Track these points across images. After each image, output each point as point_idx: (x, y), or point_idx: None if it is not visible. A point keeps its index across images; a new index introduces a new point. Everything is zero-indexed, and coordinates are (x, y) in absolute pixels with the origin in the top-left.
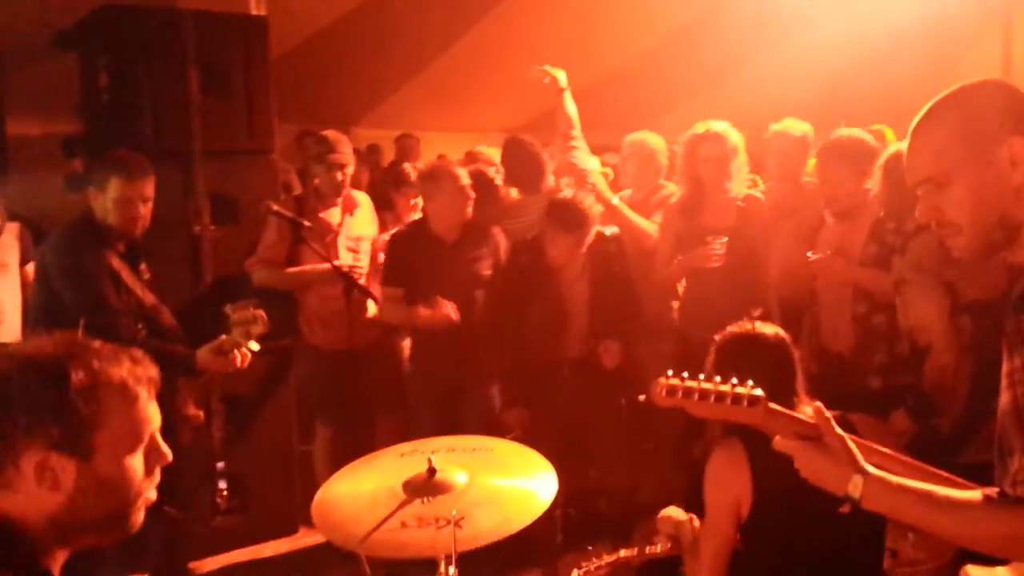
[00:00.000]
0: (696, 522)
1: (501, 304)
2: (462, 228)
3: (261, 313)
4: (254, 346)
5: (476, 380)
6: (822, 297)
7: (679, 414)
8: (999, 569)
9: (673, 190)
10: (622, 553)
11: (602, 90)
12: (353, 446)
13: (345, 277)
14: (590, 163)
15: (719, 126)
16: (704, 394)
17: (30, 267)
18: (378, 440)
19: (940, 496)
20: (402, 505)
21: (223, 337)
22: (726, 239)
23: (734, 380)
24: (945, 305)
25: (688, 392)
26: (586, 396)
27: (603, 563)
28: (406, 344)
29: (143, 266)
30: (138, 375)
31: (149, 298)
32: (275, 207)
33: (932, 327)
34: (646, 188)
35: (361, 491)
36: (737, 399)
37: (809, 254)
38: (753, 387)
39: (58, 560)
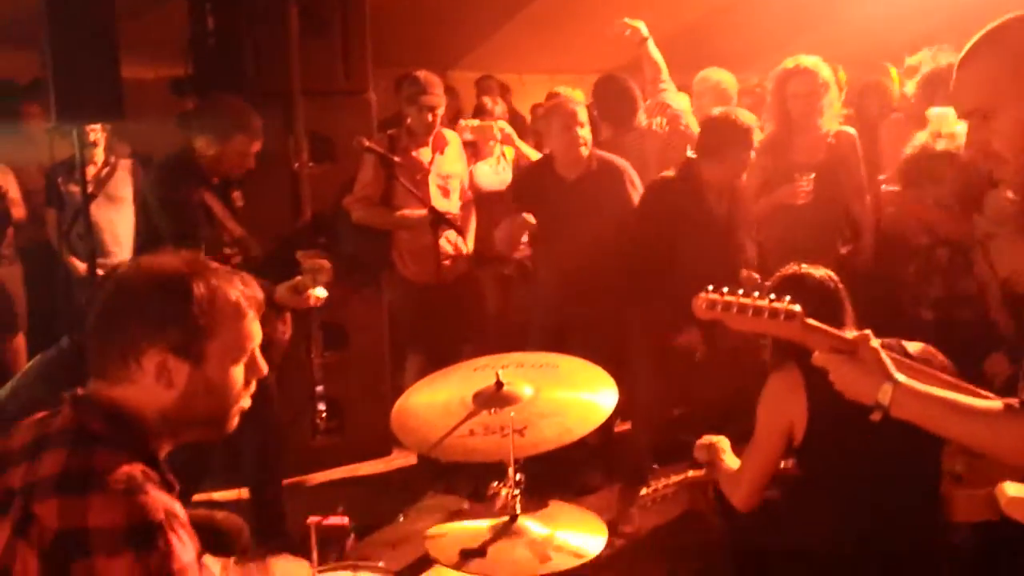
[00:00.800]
0: (725, 442)
1: (644, 242)
2: (585, 165)
3: (326, 263)
4: (321, 292)
5: (595, 317)
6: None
7: None
8: None
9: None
10: (690, 474)
11: (694, 34)
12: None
13: (439, 217)
14: (681, 103)
15: (809, 60)
16: (742, 308)
17: None
18: None
19: (964, 404)
20: (471, 415)
21: (298, 278)
22: (813, 175)
23: (772, 296)
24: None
25: (727, 306)
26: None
27: (671, 482)
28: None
29: (236, 194)
30: (248, 295)
31: (238, 230)
32: (367, 143)
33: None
34: None
35: (436, 401)
36: (774, 313)
37: (884, 187)
38: (791, 302)
39: (163, 449)
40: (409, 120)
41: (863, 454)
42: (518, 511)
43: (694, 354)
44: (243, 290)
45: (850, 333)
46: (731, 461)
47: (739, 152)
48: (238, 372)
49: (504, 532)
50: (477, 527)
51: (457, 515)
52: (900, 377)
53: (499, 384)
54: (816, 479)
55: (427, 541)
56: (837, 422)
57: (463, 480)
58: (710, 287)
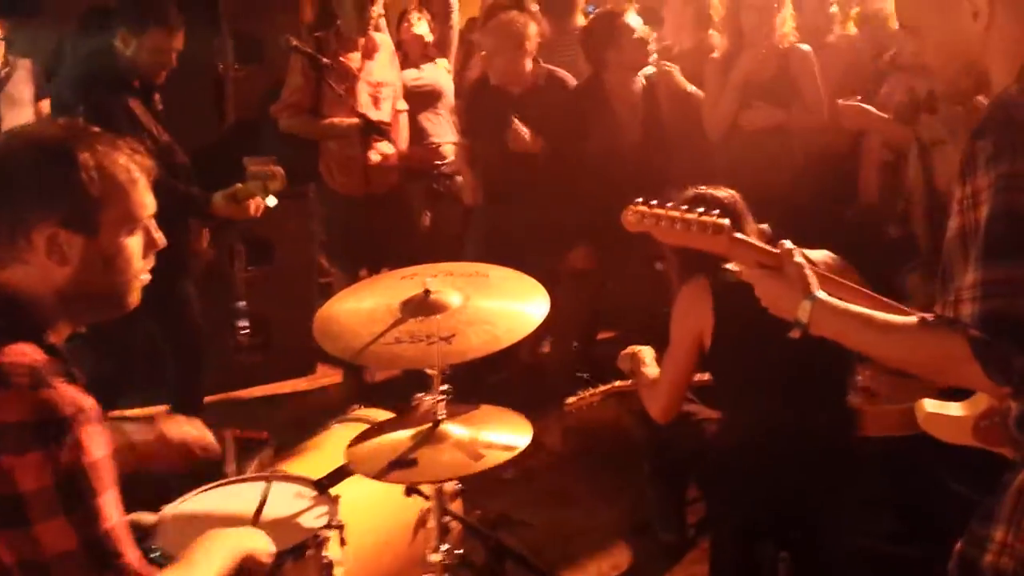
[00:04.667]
0: (648, 351)
1: (559, 139)
2: (531, 79)
3: (280, 170)
4: (271, 201)
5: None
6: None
7: None
8: (957, 404)
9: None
10: (616, 383)
11: None
12: None
13: (370, 126)
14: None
15: None
16: (671, 220)
17: (45, 103)
18: None
19: (880, 320)
20: (397, 323)
21: (238, 185)
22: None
23: (700, 209)
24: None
25: (656, 218)
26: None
27: (597, 391)
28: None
29: (156, 96)
30: (137, 161)
31: (164, 136)
32: (295, 42)
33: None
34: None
35: (361, 308)
36: (703, 226)
37: (840, 100)
38: (719, 215)
39: (61, 334)
40: (339, 20)
41: (769, 362)
42: (441, 416)
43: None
44: (131, 155)
45: (784, 244)
46: (652, 371)
47: (624, 49)
48: (135, 243)
49: (429, 439)
50: (399, 436)
51: (380, 426)
52: (820, 293)
53: (426, 292)
54: (724, 386)
55: (347, 452)
56: (744, 330)
57: (389, 396)
58: (639, 199)
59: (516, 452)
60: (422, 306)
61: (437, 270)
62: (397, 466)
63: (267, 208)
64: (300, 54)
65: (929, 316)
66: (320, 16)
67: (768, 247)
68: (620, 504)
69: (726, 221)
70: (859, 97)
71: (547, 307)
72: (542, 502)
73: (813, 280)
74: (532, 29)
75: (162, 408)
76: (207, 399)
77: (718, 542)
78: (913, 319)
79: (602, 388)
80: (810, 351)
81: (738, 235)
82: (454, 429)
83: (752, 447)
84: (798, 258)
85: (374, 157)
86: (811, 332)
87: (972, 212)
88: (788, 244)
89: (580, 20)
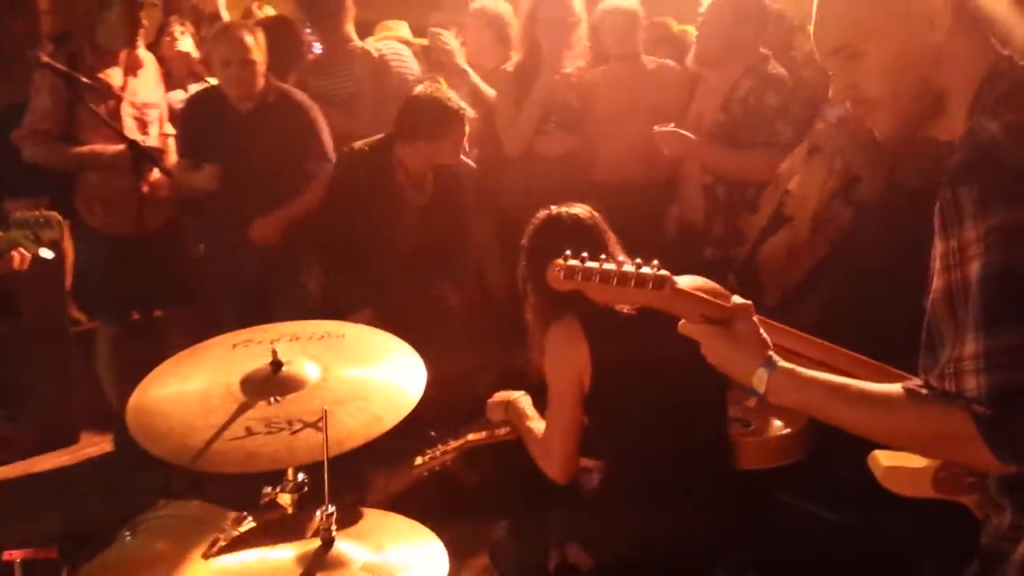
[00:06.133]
0: (525, 400)
1: (330, 215)
2: (259, 96)
3: (55, 215)
4: (46, 253)
5: (290, 268)
6: (683, 169)
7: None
8: (905, 454)
9: None
10: (469, 437)
11: None
12: (141, 345)
13: (142, 153)
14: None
15: None
16: (606, 276)
17: None
18: (170, 338)
19: (855, 390)
20: (244, 408)
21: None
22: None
23: (638, 260)
24: (832, 188)
25: (588, 274)
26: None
27: (449, 448)
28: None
29: None
30: None
31: None
32: (45, 58)
33: (807, 201)
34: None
35: (189, 392)
36: (642, 280)
37: (656, 127)
38: (658, 267)
39: None
40: (100, 29)
41: (650, 400)
42: (333, 532)
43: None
44: None
45: (735, 300)
46: (535, 424)
47: (443, 137)
48: None
49: (322, 565)
50: (276, 561)
51: (241, 541)
52: (778, 361)
53: (276, 364)
54: (604, 430)
55: None
56: (621, 367)
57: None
58: (567, 251)
59: None
60: (271, 383)
61: (276, 332)
62: None
63: (37, 260)
64: (50, 71)
65: (916, 385)
66: (63, 24)
67: (717, 301)
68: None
69: (666, 273)
70: (672, 124)
71: (423, 371)
72: None
73: (768, 341)
74: (261, 39)
75: None
76: None
77: None
78: (898, 390)
79: (454, 444)
80: (688, 382)
81: (680, 287)
82: (352, 551)
83: (640, 494)
84: (755, 316)
85: (148, 189)
86: (769, 401)
87: (959, 269)
88: (738, 299)
89: (351, 31)
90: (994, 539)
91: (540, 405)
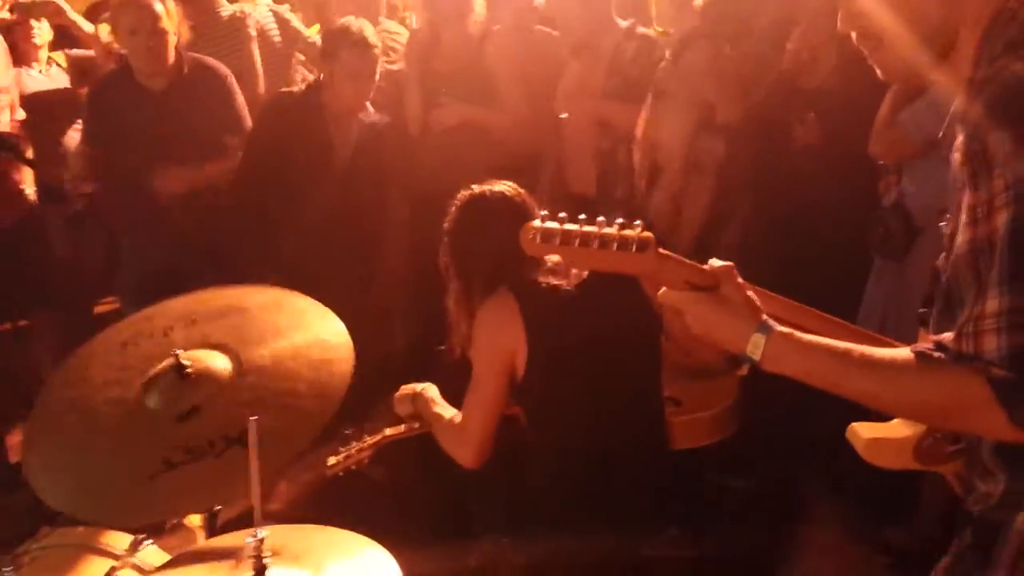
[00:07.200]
0: (432, 390)
1: (251, 172)
2: (172, 71)
3: None
4: None
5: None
6: (566, 140)
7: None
8: (893, 423)
9: None
10: (387, 432)
11: None
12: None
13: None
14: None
15: None
16: (586, 238)
17: None
18: (35, 344)
19: (858, 355)
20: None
21: None
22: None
23: (620, 220)
24: (691, 125)
25: (567, 237)
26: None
27: (365, 445)
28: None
29: None
30: None
31: None
32: None
33: (674, 145)
34: None
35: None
36: (624, 243)
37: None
38: (641, 228)
39: None
40: None
41: (586, 383)
42: (266, 559)
43: None
44: None
45: (713, 263)
46: (447, 411)
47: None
48: None
49: None
50: None
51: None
52: (773, 325)
53: (180, 368)
54: (538, 417)
55: None
56: (559, 348)
57: None
58: (543, 212)
59: None
60: (177, 390)
61: (167, 317)
62: None
63: None
64: None
65: (927, 348)
66: None
67: (700, 265)
68: None
69: (649, 234)
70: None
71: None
72: None
73: (760, 305)
74: (172, 7)
75: None
76: None
77: None
78: (906, 353)
79: (370, 440)
80: (624, 362)
81: (664, 251)
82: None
83: (573, 481)
84: (739, 279)
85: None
86: (763, 368)
87: (987, 222)
88: (716, 262)
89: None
90: (988, 508)
91: (453, 393)
